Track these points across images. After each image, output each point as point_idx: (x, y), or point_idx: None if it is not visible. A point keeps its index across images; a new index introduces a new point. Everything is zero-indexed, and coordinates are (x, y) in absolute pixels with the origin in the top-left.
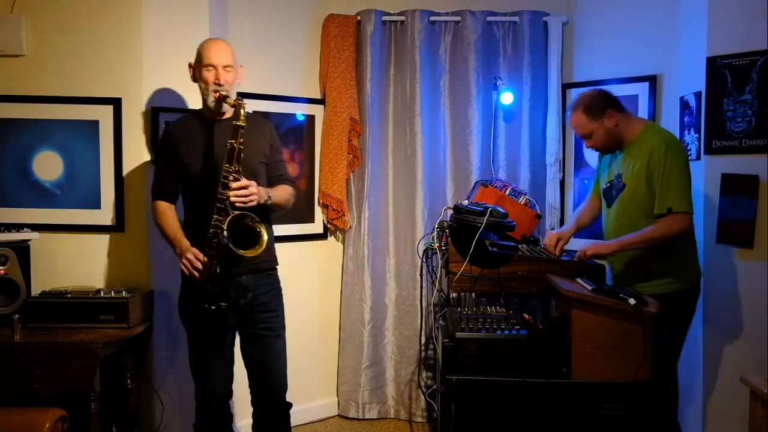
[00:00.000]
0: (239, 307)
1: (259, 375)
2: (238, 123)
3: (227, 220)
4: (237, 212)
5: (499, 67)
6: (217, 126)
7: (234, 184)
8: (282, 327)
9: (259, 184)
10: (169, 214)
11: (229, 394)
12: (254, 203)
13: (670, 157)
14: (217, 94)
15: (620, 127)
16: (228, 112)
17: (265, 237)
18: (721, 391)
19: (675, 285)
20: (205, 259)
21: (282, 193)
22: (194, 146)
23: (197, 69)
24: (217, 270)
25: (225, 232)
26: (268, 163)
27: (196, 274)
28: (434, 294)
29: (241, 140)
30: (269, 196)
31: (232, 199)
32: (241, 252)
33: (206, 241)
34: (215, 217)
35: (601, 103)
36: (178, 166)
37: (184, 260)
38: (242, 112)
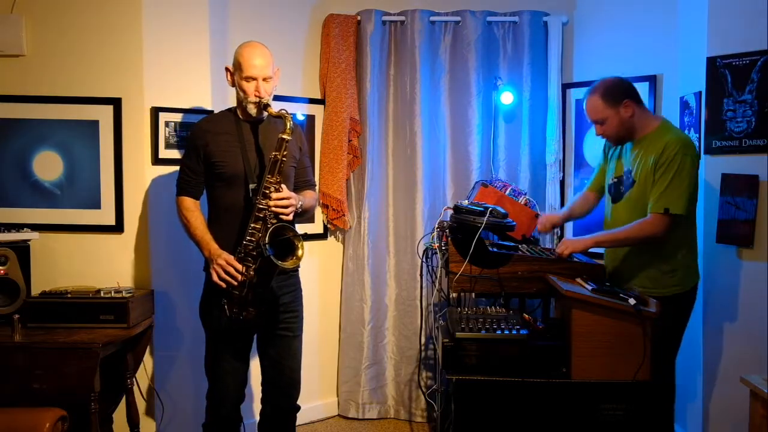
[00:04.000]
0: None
1: (275, 376)
2: (283, 136)
3: (269, 231)
4: (278, 223)
5: (499, 67)
6: (252, 127)
7: (275, 195)
8: (300, 328)
9: (288, 188)
10: (197, 212)
11: (242, 397)
12: (292, 214)
13: (681, 157)
14: (258, 104)
15: (635, 119)
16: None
17: (301, 251)
18: (721, 391)
19: (675, 288)
20: (241, 266)
21: (309, 200)
22: (228, 145)
23: (237, 76)
24: (254, 280)
25: (267, 244)
26: (297, 167)
27: (231, 280)
28: (434, 294)
29: (285, 152)
30: (301, 204)
31: (273, 209)
32: (281, 263)
33: (242, 248)
34: (252, 225)
35: (619, 91)
36: (208, 164)
37: (215, 266)
38: (288, 125)
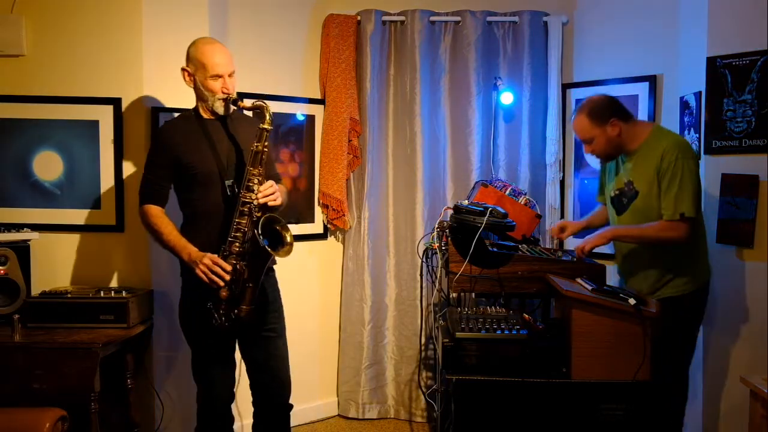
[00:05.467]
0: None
1: (265, 378)
2: (263, 126)
3: (261, 221)
4: (267, 215)
5: (499, 67)
6: (217, 124)
7: (261, 187)
8: (283, 327)
9: None
10: (165, 218)
11: (232, 398)
12: (279, 203)
13: (682, 161)
14: (226, 100)
15: (623, 136)
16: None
17: (289, 238)
18: (721, 391)
19: (687, 287)
20: (228, 266)
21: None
22: (196, 143)
23: (199, 76)
24: (245, 275)
25: (260, 235)
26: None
27: (219, 281)
28: (434, 294)
29: (266, 143)
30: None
31: (262, 200)
32: (274, 253)
33: (227, 246)
34: (237, 220)
35: (605, 110)
36: (179, 166)
37: (201, 266)
38: (268, 115)
